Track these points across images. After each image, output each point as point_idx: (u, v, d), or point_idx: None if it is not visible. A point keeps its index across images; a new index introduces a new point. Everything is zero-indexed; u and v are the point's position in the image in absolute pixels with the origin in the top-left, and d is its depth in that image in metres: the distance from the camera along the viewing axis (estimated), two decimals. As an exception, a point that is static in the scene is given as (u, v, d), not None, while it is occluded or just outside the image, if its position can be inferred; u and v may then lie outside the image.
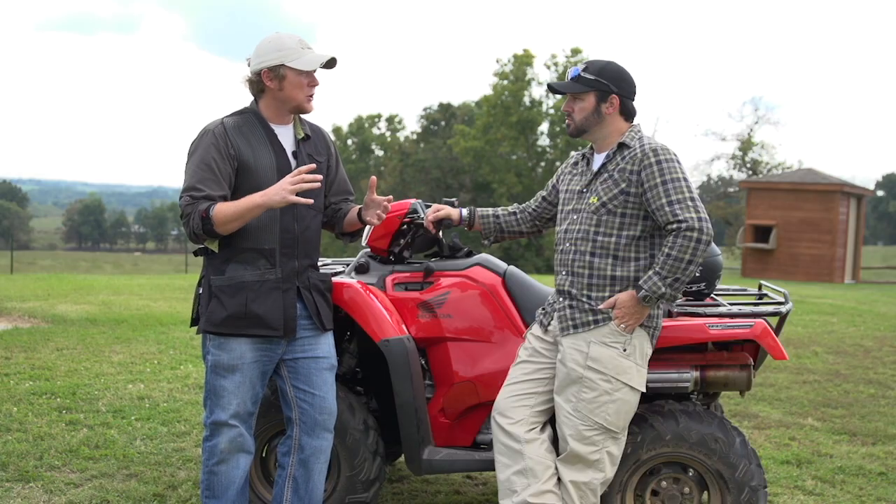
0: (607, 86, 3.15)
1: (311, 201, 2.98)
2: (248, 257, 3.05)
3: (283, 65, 3.04)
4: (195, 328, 3.17)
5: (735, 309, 3.43)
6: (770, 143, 50.00)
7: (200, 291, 3.13)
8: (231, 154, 3.01)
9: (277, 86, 3.07)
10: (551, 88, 3.26)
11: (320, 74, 3.15)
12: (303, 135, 3.19)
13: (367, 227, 3.70)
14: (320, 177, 2.97)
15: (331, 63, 3.12)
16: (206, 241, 3.03)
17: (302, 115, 3.23)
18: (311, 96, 3.14)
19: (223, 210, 2.93)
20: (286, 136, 3.16)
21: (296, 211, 3.10)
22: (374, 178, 3.21)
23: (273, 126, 3.14)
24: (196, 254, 3.16)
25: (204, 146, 3.02)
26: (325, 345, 3.24)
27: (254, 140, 3.08)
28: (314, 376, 3.20)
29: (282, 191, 2.90)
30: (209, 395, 3.12)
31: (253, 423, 3.19)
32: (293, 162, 3.13)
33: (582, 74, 3.17)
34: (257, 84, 3.10)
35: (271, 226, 3.06)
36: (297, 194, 2.90)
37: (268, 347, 3.11)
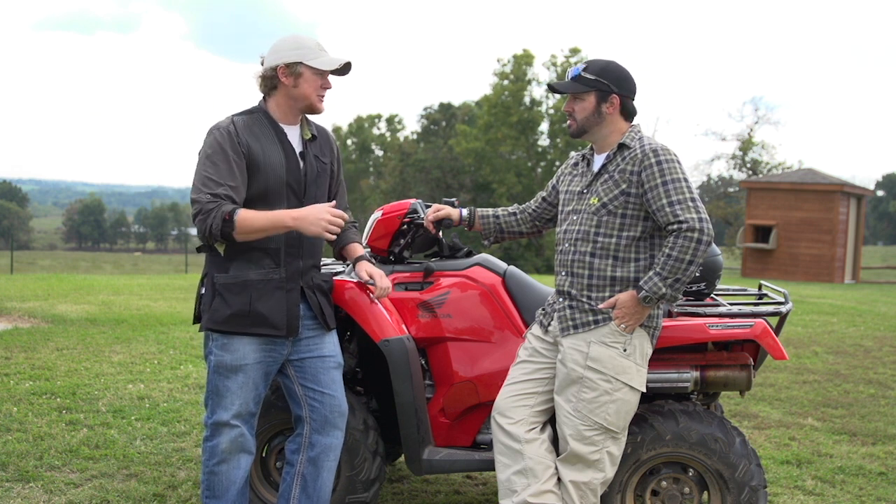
0: (607, 86, 3.15)
1: (334, 238, 3.05)
2: (253, 256, 3.04)
3: (300, 62, 3.04)
4: (197, 326, 3.16)
5: (735, 309, 3.43)
6: (770, 143, 50.10)
7: (203, 290, 3.12)
8: (242, 151, 2.99)
9: (293, 83, 3.06)
10: (552, 88, 3.26)
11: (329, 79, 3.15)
12: (309, 135, 3.19)
13: (367, 226, 3.70)
14: (346, 221, 3.05)
15: (346, 68, 3.11)
16: (216, 243, 2.98)
17: (309, 117, 3.23)
18: (323, 97, 3.13)
19: (248, 220, 2.89)
20: (293, 136, 3.15)
21: None
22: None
23: (282, 126, 3.13)
24: (199, 250, 3.13)
25: (217, 142, 2.97)
26: (331, 344, 3.24)
27: (264, 139, 3.06)
28: (322, 375, 3.19)
29: (320, 223, 2.92)
30: (211, 395, 3.10)
31: (255, 424, 3.18)
32: (300, 162, 3.13)
33: (582, 74, 3.16)
34: (271, 80, 3.08)
35: None
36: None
37: (272, 348, 3.10)
